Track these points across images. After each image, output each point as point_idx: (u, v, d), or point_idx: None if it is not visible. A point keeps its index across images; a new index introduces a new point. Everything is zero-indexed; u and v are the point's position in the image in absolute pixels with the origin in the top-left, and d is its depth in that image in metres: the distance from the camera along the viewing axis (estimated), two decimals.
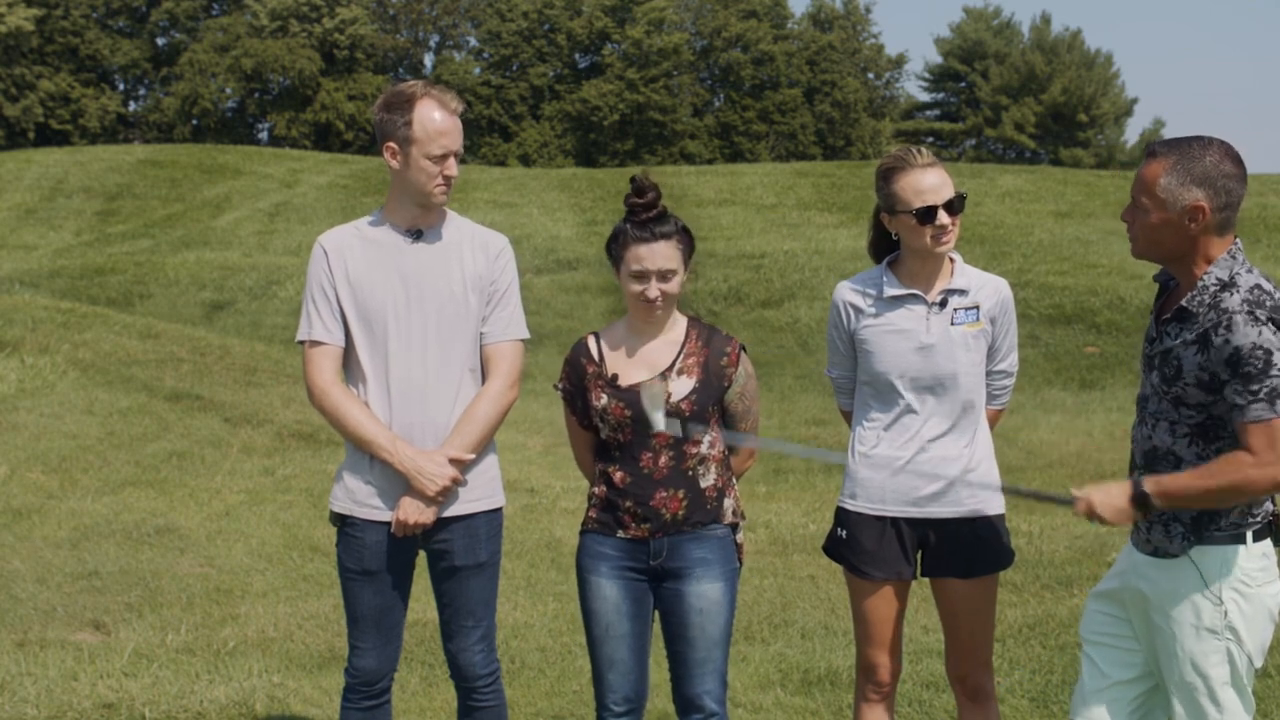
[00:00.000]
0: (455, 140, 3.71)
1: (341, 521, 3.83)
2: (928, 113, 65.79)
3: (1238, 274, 3.15)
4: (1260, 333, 3.05)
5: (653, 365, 3.76)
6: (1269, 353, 3.04)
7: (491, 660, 3.92)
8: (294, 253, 22.45)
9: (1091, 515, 3.23)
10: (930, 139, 63.99)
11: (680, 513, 3.73)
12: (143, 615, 6.45)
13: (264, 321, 18.45)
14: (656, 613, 3.84)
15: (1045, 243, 21.92)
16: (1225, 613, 3.19)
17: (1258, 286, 3.11)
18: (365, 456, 3.75)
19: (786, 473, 10.45)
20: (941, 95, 65.53)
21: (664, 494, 3.72)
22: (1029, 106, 59.15)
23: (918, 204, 3.72)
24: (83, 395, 11.72)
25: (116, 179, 29.39)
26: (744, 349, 3.86)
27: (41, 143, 52.51)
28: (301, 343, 3.80)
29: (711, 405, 3.76)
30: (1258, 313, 3.06)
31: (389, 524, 3.76)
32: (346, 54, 59.36)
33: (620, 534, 3.76)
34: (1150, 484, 3.17)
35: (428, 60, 64.76)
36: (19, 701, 5.13)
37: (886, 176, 3.81)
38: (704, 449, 3.77)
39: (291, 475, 9.64)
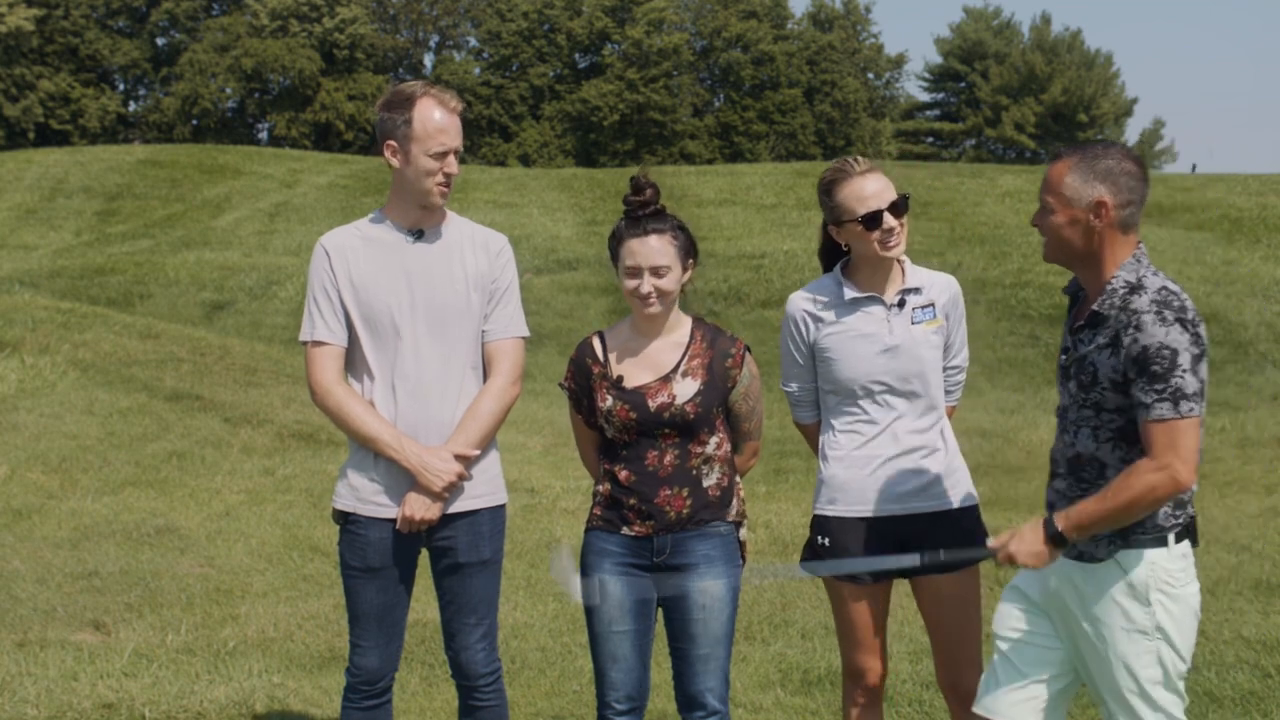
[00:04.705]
0: (454, 138, 3.73)
1: (344, 519, 3.83)
2: (928, 113, 65.83)
3: (1144, 276, 3.20)
4: (1168, 332, 3.08)
5: (657, 367, 3.77)
6: (1175, 352, 3.08)
7: (493, 659, 3.92)
8: (294, 253, 22.44)
9: (1012, 563, 3.26)
10: (930, 139, 64.04)
11: (684, 511, 3.74)
12: (143, 615, 6.44)
13: (264, 321, 18.44)
14: (659, 612, 3.85)
15: None
16: (1153, 614, 3.21)
17: (1165, 288, 3.17)
18: (369, 454, 3.76)
19: (787, 473, 10.46)
20: (941, 95, 65.57)
21: (668, 492, 3.73)
22: (1029, 106, 59.17)
23: (862, 211, 3.74)
24: (83, 395, 11.71)
25: (116, 179, 29.38)
26: (749, 350, 3.87)
27: (41, 143, 52.50)
28: (304, 343, 3.81)
29: (716, 407, 3.76)
30: (1165, 313, 3.11)
31: (393, 521, 3.76)
32: (346, 54, 59.36)
33: (624, 531, 3.77)
34: (1061, 521, 3.19)
35: (428, 60, 64.83)
36: (19, 701, 5.13)
37: (828, 189, 3.82)
38: (709, 449, 3.77)
39: (291, 475, 9.63)
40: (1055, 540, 3.19)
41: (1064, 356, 3.36)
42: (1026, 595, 3.45)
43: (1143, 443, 3.15)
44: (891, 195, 3.75)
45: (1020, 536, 3.24)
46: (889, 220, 3.73)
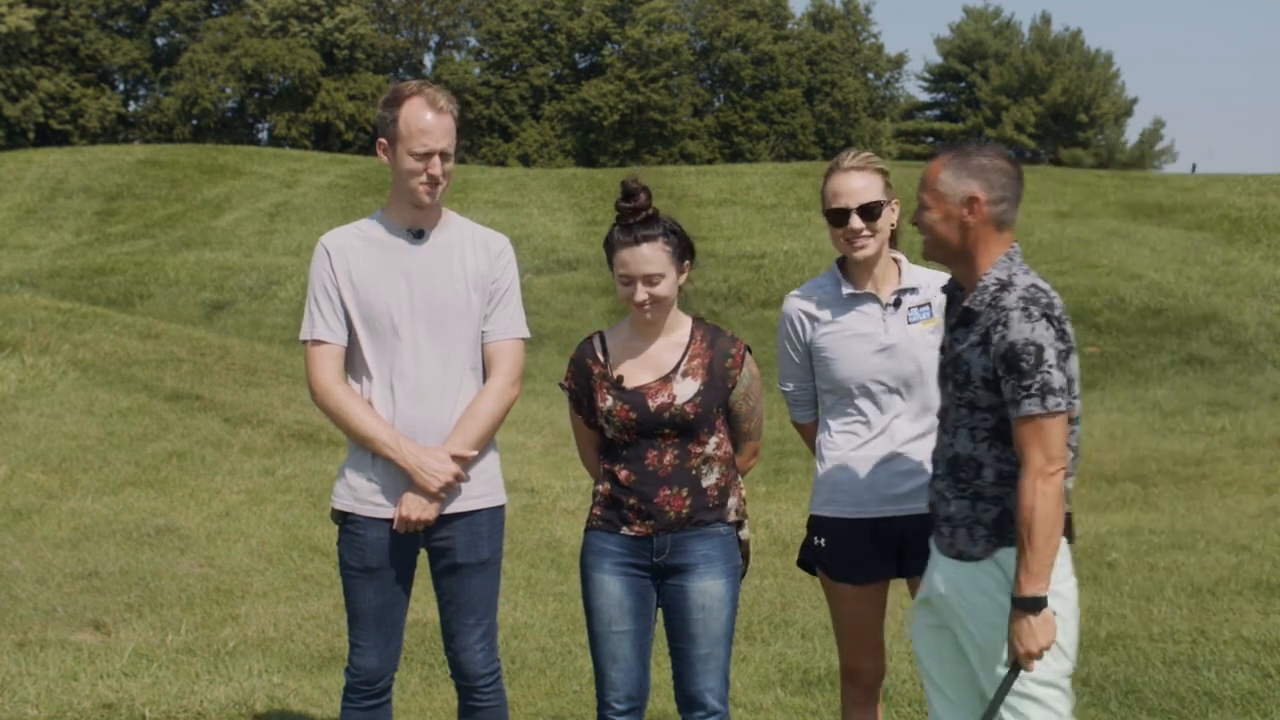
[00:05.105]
0: (439, 140, 3.71)
1: (343, 519, 3.83)
2: (928, 113, 65.79)
3: (1015, 274, 3.24)
4: (1034, 329, 3.12)
5: (657, 367, 3.76)
6: (1040, 349, 3.11)
7: (492, 660, 3.92)
8: (294, 253, 22.44)
9: (1039, 656, 3.16)
10: (930, 139, 63.99)
11: (684, 511, 3.73)
12: (143, 615, 6.44)
13: (264, 321, 18.44)
14: (659, 612, 3.85)
15: (1045, 243, 21.92)
16: None
17: (1034, 285, 3.20)
18: (368, 454, 3.76)
19: (787, 473, 10.46)
20: (941, 95, 65.53)
21: (668, 492, 3.73)
22: (1029, 106, 59.13)
23: (833, 205, 3.78)
24: (83, 395, 11.70)
25: (116, 179, 29.37)
26: (749, 350, 3.86)
27: (41, 143, 52.47)
28: (304, 342, 3.81)
29: (716, 407, 3.76)
30: (1032, 309, 3.14)
31: (391, 521, 3.76)
32: (346, 54, 59.34)
33: (624, 531, 3.77)
34: (1019, 590, 3.12)
35: (428, 60, 64.81)
36: (19, 701, 5.13)
37: (824, 178, 3.87)
38: (709, 449, 3.77)
39: (291, 475, 9.63)
40: (1030, 605, 3.12)
41: (942, 355, 3.38)
42: (927, 605, 3.46)
43: (1014, 443, 3.17)
44: (868, 198, 3.73)
45: (1018, 637, 3.14)
46: (855, 221, 3.73)
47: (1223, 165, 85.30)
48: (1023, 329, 3.11)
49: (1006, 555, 3.23)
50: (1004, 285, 3.21)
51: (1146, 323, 17.45)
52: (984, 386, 3.20)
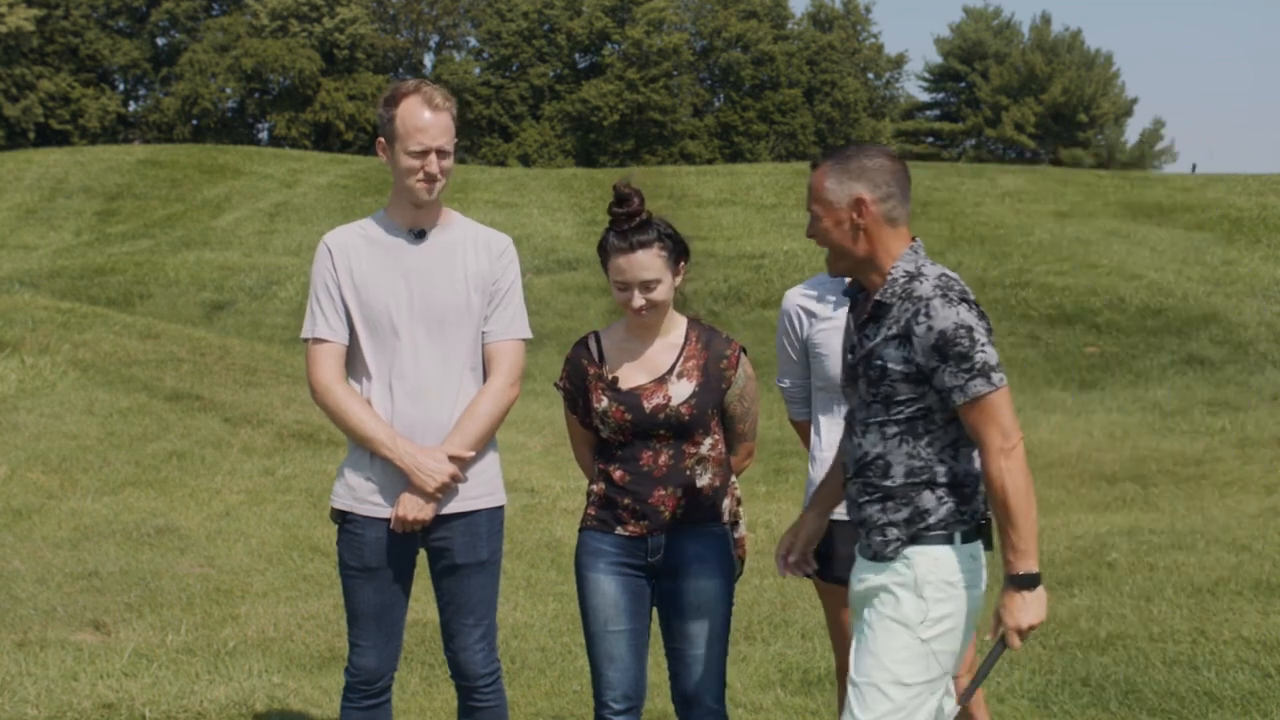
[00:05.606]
0: (435, 137, 3.71)
1: (342, 518, 3.83)
2: (928, 113, 65.77)
3: (922, 266, 3.23)
4: (958, 312, 3.13)
5: (653, 368, 3.76)
6: (971, 329, 3.12)
7: (492, 660, 3.92)
8: (294, 253, 22.45)
9: (1029, 632, 3.16)
10: (930, 139, 64.00)
11: (678, 511, 3.73)
12: (143, 615, 6.44)
13: (264, 321, 18.45)
14: (655, 612, 3.84)
15: (1045, 243, 21.94)
16: (926, 611, 3.19)
17: (944, 274, 3.22)
18: (366, 454, 3.76)
19: (787, 473, 10.47)
20: (941, 95, 65.51)
21: (662, 492, 3.73)
22: (1029, 106, 59.13)
23: None
24: (83, 395, 11.71)
25: (116, 179, 29.38)
26: (744, 351, 3.86)
27: (41, 143, 52.48)
28: (305, 340, 3.81)
29: (711, 408, 3.76)
30: (950, 295, 3.15)
31: (389, 521, 3.76)
32: (346, 54, 59.36)
33: (619, 530, 3.76)
34: (1011, 568, 3.12)
35: (428, 60, 64.83)
36: (19, 701, 5.13)
37: None
38: (704, 449, 3.77)
39: (291, 475, 9.63)
40: (1024, 583, 3.12)
41: (850, 356, 3.35)
42: (855, 616, 3.43)
43: (967, 428, 3.16)
44: None
45: (1007, 610, 3.14)
46: None
47: (1223, 165, 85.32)
48: (948, 314, 3.12)
49: (915, 552, 3.22)
50: (913, 276, 3.21)
51: (1146, 323, 17.46)
52: (903, 379, 3.19)
